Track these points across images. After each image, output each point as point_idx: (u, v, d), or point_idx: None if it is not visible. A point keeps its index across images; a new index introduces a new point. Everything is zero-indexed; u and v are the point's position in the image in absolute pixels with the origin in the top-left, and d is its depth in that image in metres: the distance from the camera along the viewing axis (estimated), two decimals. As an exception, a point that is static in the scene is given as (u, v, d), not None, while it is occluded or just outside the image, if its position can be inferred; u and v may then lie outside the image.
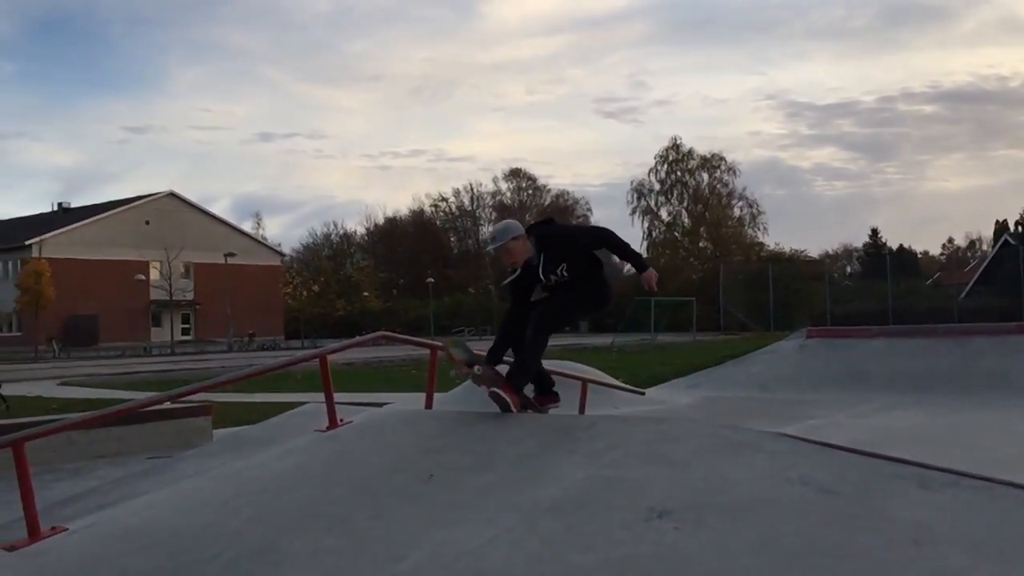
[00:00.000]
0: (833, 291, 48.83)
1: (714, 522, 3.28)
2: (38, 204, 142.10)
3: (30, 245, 59.89)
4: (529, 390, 5.41)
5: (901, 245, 76.23)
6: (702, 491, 3.53)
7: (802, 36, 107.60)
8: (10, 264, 61.53)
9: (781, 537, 3.13)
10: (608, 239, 5.31)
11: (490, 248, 5.29)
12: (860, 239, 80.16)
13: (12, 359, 42.20)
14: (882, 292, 43.40)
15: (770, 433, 4.43)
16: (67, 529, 4.46)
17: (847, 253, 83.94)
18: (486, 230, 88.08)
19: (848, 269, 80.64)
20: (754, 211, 70.86)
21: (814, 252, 68.95)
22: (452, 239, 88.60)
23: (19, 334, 57.44)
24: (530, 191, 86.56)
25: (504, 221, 5.49)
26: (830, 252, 78.47)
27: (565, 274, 5.17)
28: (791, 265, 57.20)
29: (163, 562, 3.77)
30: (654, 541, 3.22)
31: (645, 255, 72.23)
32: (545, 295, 5.30)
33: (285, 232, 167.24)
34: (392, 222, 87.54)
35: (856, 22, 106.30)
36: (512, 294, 5.38)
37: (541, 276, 5.20)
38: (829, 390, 12.49)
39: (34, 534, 4.38)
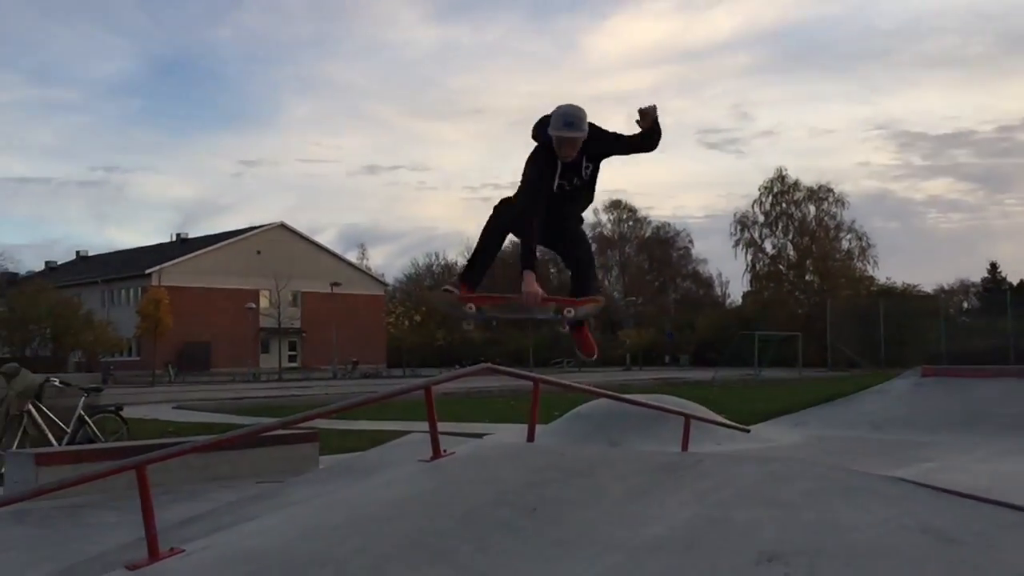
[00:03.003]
0: (949, 328, 46.91)
1: (827, 569, 3.17)
2: (158, 234, 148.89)
3: (150, 274, 62.83)
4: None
5: (1022, 280, 72.61)
6: (814, 536, 3.42)
7: (914, 64, 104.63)
8: (131, 292, 64.63)
9: (899, 587, 3.01)
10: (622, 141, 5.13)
11: (563, 134, 4.87)
12: (978, 273, 76.64)
13: (131, 383, 44.20)
14: (1002, 329, 41.50)
15: (885, 477, 4.27)
16: (184, 551, 4.61)
17: (964, 288, 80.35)
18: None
19: (965, 305, 77.15)
20: (864, 244, 68.76)
21: (928, 287, 66.49)
22: (552, 271, 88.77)
23: (137, 359, 60.15)
24: (630, 222, 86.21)
25: (577, 105, 5.03)
26: (945, 287, 75.33)
27: (588, 175, 5.13)
28: (903, 300, 55.27)
29: (275, 586, 3.87)
30: (764, 586, 3.13)
31: (749, 288, 71.18)
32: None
33: (388, 262, 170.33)
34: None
35: (972, 49, 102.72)
36: (542, 188, 5.06)
37: (581, 173, 5.07)
38: (946, 432, 11.95)
39: (153, 555, 4.54)
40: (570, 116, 4.93)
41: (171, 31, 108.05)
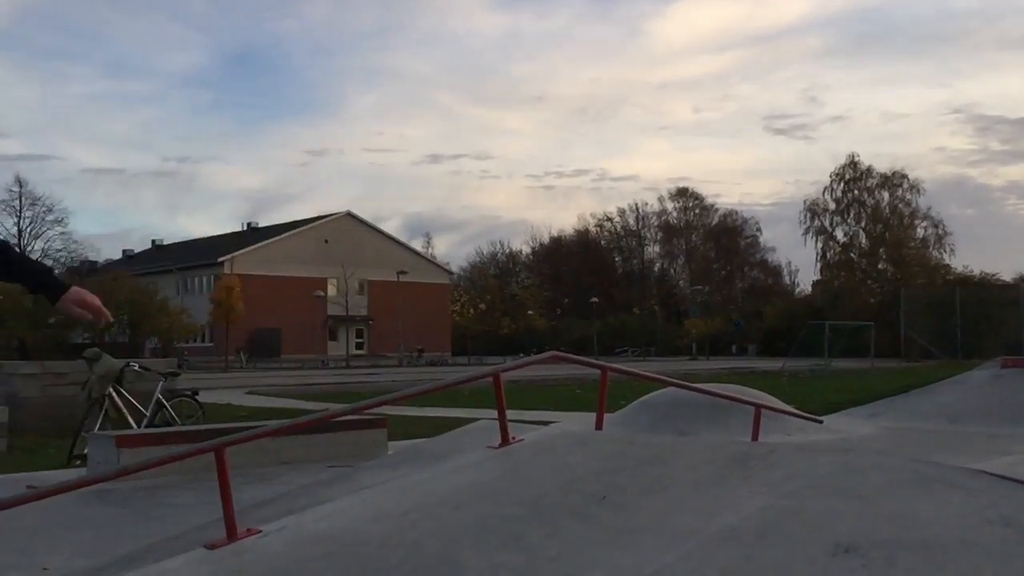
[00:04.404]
0: (1029, 318, 45.34)
1: (906, 562, 3.10)
2: (229, 223, 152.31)
3: (222, 262, 64.30)
4: None
5: (1108, 268, 69.73)
6: (891, 528, 3.35)
7: (993, 46, 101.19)
8: (204, 280, 66.27)
9: (982, 582, 2.93)
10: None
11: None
12: (1061, 262, 74.06)
13: (205, 368, 45.32)
14: (1086, 319, 39.95)
15: (966, 469, 4.16)
16: (260, 531, 4.72)
17: (1045, 277, 77.66)
18: (652, 250, 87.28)
19: (1047, 294, 74.55)
20: (940, 231, 67.02)
21: (1007, 276, 64.36)
22: (617, 259, 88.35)
23: (211, 345, 61.65)
24: (697, 210, 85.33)
25: None
26: (1026, 276, 72.90)
27: None
28: (981, 289, 53.62)
29: (349, 568, 3.94)
30: (840, 578, 3.08)
31: (819, 277, 69.91)
32: None
33: (453, 251, 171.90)
34: (557, 241, 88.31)
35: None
36: None
37: None
38: (1027, 425, 11.57)
39: (231, 535, 4.65)
40: None
41: (240, 24, 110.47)
